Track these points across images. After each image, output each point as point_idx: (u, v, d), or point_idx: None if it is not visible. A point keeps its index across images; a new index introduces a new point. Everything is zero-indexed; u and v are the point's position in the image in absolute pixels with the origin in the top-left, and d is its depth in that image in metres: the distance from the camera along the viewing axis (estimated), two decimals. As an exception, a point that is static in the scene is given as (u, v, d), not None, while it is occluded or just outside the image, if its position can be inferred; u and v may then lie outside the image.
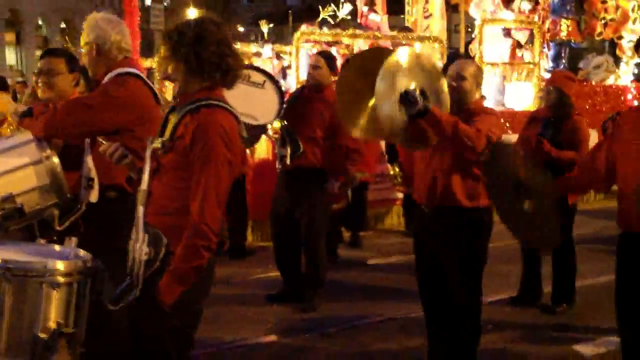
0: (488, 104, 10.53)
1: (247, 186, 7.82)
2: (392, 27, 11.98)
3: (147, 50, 18.57)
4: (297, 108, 5.93)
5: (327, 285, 6.38)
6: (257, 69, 6.03)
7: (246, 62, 9.16)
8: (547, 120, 5.68)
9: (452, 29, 18.37)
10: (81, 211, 3.62)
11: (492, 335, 5.28)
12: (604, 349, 4.95)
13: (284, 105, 5.96)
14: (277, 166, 5.99)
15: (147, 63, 9.61)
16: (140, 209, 2.87)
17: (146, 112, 3.71)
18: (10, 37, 34.47)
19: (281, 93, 5.84)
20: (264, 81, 5.86)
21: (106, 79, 3.82)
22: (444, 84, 3.88)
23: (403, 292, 6.10)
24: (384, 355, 5.02)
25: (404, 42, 9.95)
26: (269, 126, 5.78)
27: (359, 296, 6.32)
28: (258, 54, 11.13)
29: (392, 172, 4.51)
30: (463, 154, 4.00)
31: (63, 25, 36.05)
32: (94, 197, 3.66)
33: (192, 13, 39.77)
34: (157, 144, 2.93)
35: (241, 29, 39.20)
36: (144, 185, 2.89)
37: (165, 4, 43.77)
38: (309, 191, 5.78)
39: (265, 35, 12.60)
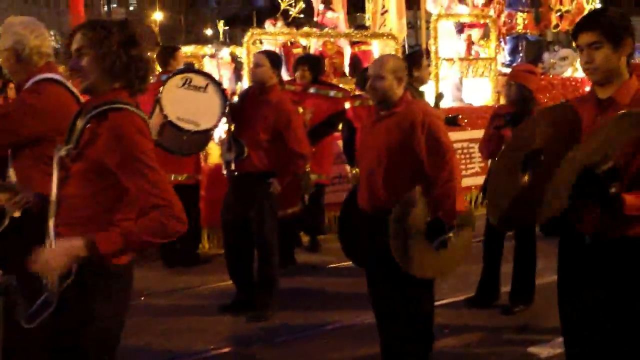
0: (447, 100, 10.48)
1: (201, 192, 7.63)
2: (352, 25, 11.87)
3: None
4: (242, 111, 5.75)
5: (283, 292, 6.22)
6: (199, 72, 5.85)
7: (196, 65, 9.07)
8: (509, 116, 5.56)
9: (417, 26, 18.28)
10: (4, 225, 3.44)
11: (448, 340, 5.17)
12: (559, 350, 4.77)
13: (229, 109, 5.80)
14: (223, 172, 5.80)
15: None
16: (51, 221, 2.73)
17: (67, 119, 3.50)
18: None
19: (224, 96, 5.66)
20: (207, 84, 5.68)
21: (27, 86, 3.64)
22: None
23: (360, 297, 5.89)
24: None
25: (358, 40, 9.84)
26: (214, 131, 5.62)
27: (314, 303, 6.14)
28: (213, 56, 10.91)
29: (353, 172, 4.41)
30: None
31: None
32: (17, 211, 3.47)
33: (158, 16, 39.47)
34: (64, 151, 2.74)
35: (209, 31, 38.85)
36: (53, 196, 2.74)
37: (131, 7, 43.52)
38: (256, 196, 5.60)
39: (221, 36, 12.39)
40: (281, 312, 5.82)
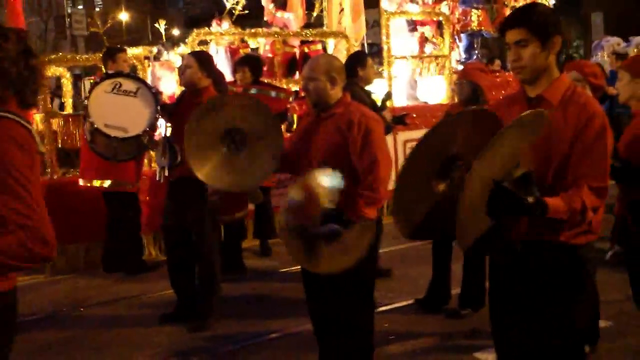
0: (401, 98, 10.36)
1: (145, 197, 7.41)
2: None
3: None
4: (177, 115, 5.52)
5: (229, 299, 6.09)
6: (130, 77, 5.61)
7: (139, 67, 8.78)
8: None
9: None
10: None
11: (394, 346, 5.01)
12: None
13: (164, 112, 5.59)
14: (157, 178, 5.57)
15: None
16: None
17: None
18: None
19: (156, 100, 5.44)
20: (137, 89, 5.48)
21: None
22: None
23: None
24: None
25: (310, 40, 9.65)
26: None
27: (260, 310, 5.94)
28: (157, 58, 10.65)
29: None
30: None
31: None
32: None
33: (124, 17, 38.88)
34: None
35: (176, 31, 38.39)
36: None
37: (97, 9, 42.92)
38: (192, 202, 5.37)
39: (164, 37, 12.08)
40: (225, 320, 5.63)
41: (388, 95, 6.37)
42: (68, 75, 10.07)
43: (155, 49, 10.87)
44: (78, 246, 7.44)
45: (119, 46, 7.68)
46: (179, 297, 5.77)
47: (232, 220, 6.74)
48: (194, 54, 5.76)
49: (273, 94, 7.07)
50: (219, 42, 9.76)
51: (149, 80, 11.22)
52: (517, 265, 2.89)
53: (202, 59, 5.51)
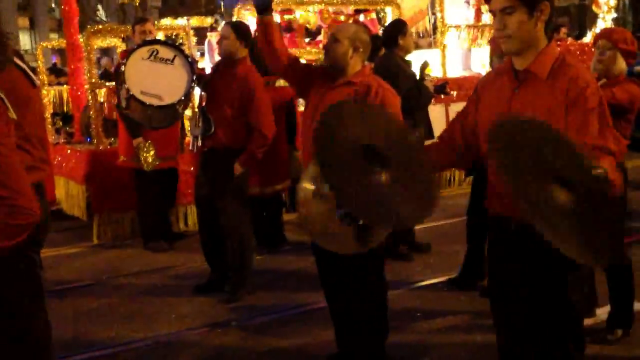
0: (455, 69, 10.10)
1: (187, 168, 7.44)
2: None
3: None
4: (211, 85, 5.51)
5: (265, 272, 6.14)
6: (167, 44, 5.57)
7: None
8: None
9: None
10: None
11: (420, 324, 4.92)
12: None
13: (201, 82, 5.57)
14: (190, 148, 5.57)
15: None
16: None
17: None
18: (23, 21, 34.37)
19: (192, 69, 5.39)
20: (174, 56, 5.44)
21: None
22: None
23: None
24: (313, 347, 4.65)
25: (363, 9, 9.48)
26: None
27: (294, 284, 5.93)
28: (214, 28, 10.63)
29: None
30: None
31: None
32: None
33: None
34: None
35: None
36: None
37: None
38: (221, 173, 5.35)
39: (222, 7, 11.99)
40: (258, 293, 5.66)
41: (425, 65, 6.19)
42: (123, 45, 10.19)
43: (210, 19, 10.87)
44: (124, 216, 7.55)
45: (141, 17, 7.69)
46: (212, 268, 5.80)
47: (273, 192, 6.74)
48: (232, 25, 5.71)
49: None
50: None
51: (205, 51, 11.34)
52: (513, 241, 2.76)
53: (240, 30, 5.46)
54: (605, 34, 4.40)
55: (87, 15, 31.94)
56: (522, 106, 2.70)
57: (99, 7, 35.89)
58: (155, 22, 7.42)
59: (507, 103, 2.73)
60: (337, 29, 3.97)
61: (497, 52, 5.11)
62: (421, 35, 11.59)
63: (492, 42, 5.12)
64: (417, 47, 10.19)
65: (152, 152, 6.69)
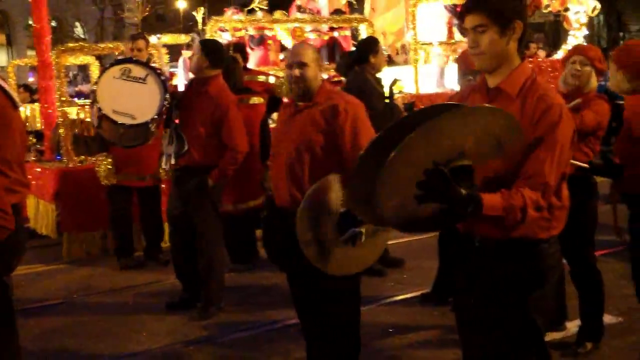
0: (430, 86, 10.17)
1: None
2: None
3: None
4: (184, 103, 5.50)
5: (237, 288, 6.09)
6: (139, 62, 5.58)
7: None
8: None
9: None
10: None
11: (392, 339, 4.92)
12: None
13: (175, 100, 5.56)
14: (163, 166, 5.55)
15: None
16: None
17: None
18: (0, 38, 34.21)
19: (164, 87, 5.39)
20: (147, 75, 5.43)
21: None
22: None
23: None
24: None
25: (329, 25, 9.53)
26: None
27: (265, 300, 5.89)
28: (190, 46, 10.59)
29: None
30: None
31: (54, 23, 35.75)
32: None
33: (181, 5, 39.06)
34: None
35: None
36: None
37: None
38: (195, 190, 5.34)
39: (200, 25, 11.91)
40: (229, 309, 5.63)
41: (394, 82, 6.25)
42: (97, 63, 10.16)
43: (185, 37, 10.82)
44: (94, 234, 7.50)
45: (135, 34, 7.68)
46: (184, 286, 5.77)
47: (247, 209, 6.72)
48: (201, 41, 5.72)
49: (262, 78, 7.02)
50: (236, 30, 9.59)
51: (179, 68, 11.32)
52: (476, 258, 2.77)
53: (207, 47, 5.46)
54: (582, 50, 4.46)
55: (65, 32, 31.87)
56: None
57: (77, 24, 35.77)
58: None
59: None
60: (300, 54, 3.85)
61: (462, 69, 5.13)
62: (398, 52, 11.67)
63: (459, 59, 5.14)
64: (394, 63, 10.30)
65: (108, 167, 6.73)
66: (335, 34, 10.35)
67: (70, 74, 21.41)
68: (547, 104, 2.57)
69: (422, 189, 2.31)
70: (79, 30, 35.21)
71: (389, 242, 6.39)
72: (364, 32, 10.06)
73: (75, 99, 9.49)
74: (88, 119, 7.50)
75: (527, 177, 2.53)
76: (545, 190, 2.52)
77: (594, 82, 4.38)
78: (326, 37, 10.43)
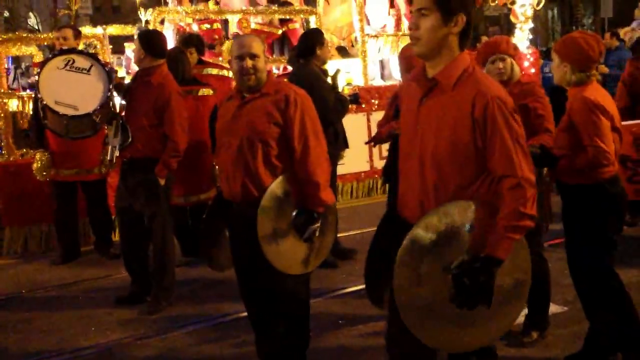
0: (376, 78, 10.21)
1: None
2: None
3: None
4: (129, 95, 5.45)
5: (188, 282, 6.07)
6: (83, 53, 5.50)
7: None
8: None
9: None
10: None
11: (342, 331, 4.94)
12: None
13: (122, 91, 5.50)
14: (107, 158, 5.46)
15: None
16: None
17: None
18: None
19: (109, 78, 5.32)
20: (91, 66, 5.36)
21: None
22: None
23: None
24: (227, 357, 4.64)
25: (277, 17, 9.47)
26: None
27: (215, 294, 5.83)
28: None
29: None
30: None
31: (7, 13, 34.70)
32: None
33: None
34: None
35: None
36: None
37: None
38: (143, 184, 5.29)
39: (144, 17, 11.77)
40: (179, 303, 5.59)
41: (337, 72, 6.26)
42: (40, 54, 9.94)
43: (131, 28, 10.67)
44: (36, 228, 7.38)
45: (67, 25, 7.57)
46: (133, 279, 5.71)
47: (197, 202, 6.66)
48: (139, 33, 5.68)
49: (216, 72, 6.98)
50: (179, 20, 9.46)
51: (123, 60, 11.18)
52: None
53: (143, 38, 5.41)
54: (493, 48, 4.37)
55: (17, 23, 31.01)
56: (428, 118, 2.74)
57: (31, 14, 34.88)
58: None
59: (415, 116, 2.79)
60: (249, 45, 3.80)
61: (403, 66, 5.05)
62: (353, 44, 11.67)
63: (400, 57, 5.08)
64: (349, 55, 10.28)
65: (42, 164, 6.67)
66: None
67: (23, 66, 20.92)
68: (487, 99, 2.62)
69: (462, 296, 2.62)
70: (32, 21, 34.34)
71: (341, 234, 6.46)
72: (313, 25, 10.08)
73: (28, 91, 9.21)
74: (29, 112, 7.34)
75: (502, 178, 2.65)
76: (526, 185, 2.64)
77: (516, 68, 4.40)
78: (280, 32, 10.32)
